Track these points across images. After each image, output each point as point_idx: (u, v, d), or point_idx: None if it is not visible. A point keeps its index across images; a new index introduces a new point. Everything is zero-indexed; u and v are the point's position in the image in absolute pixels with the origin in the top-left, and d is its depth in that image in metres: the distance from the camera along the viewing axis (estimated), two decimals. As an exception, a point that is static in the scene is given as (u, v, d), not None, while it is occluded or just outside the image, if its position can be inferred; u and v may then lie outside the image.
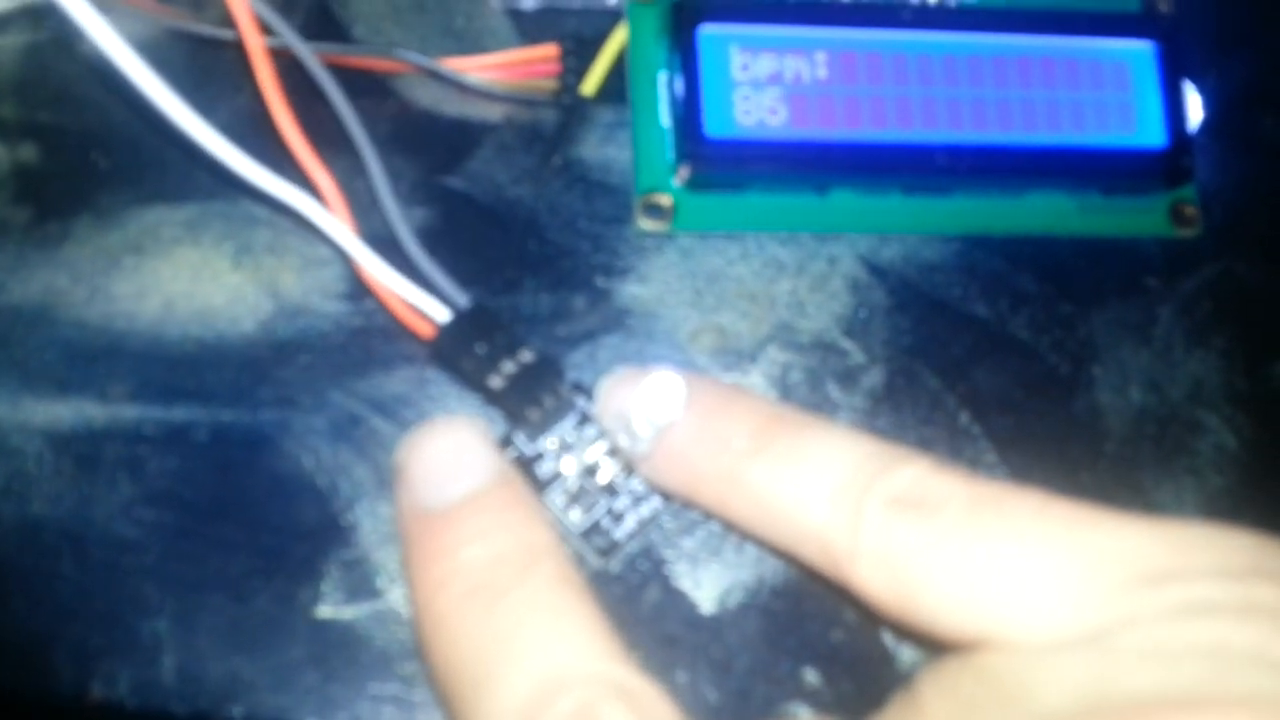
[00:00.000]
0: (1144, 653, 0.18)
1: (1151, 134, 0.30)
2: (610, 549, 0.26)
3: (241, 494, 0.25)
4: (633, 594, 0.26)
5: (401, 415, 0.27)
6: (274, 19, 0.24)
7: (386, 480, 0.26)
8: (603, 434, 0.26)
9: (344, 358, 0.27)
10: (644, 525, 0.26)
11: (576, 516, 0.26)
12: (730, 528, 0.26)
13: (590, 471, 0.26)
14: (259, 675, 0.24)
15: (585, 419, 0.26)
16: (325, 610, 0.25)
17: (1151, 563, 0.19)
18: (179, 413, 0.26)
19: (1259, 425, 0.30)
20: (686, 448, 0.24)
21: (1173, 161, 0.30)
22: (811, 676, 0.26)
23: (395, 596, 0.25)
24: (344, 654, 0.25)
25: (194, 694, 0.24)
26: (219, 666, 0.24)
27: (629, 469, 0.26)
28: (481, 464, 0.23)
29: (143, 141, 0.28)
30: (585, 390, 0.26)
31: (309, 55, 0.24)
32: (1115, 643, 0.18)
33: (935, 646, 0.21)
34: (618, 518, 0.26)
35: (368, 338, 0.27)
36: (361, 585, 0.25)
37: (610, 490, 0.26)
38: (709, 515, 0.26)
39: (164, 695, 0.24)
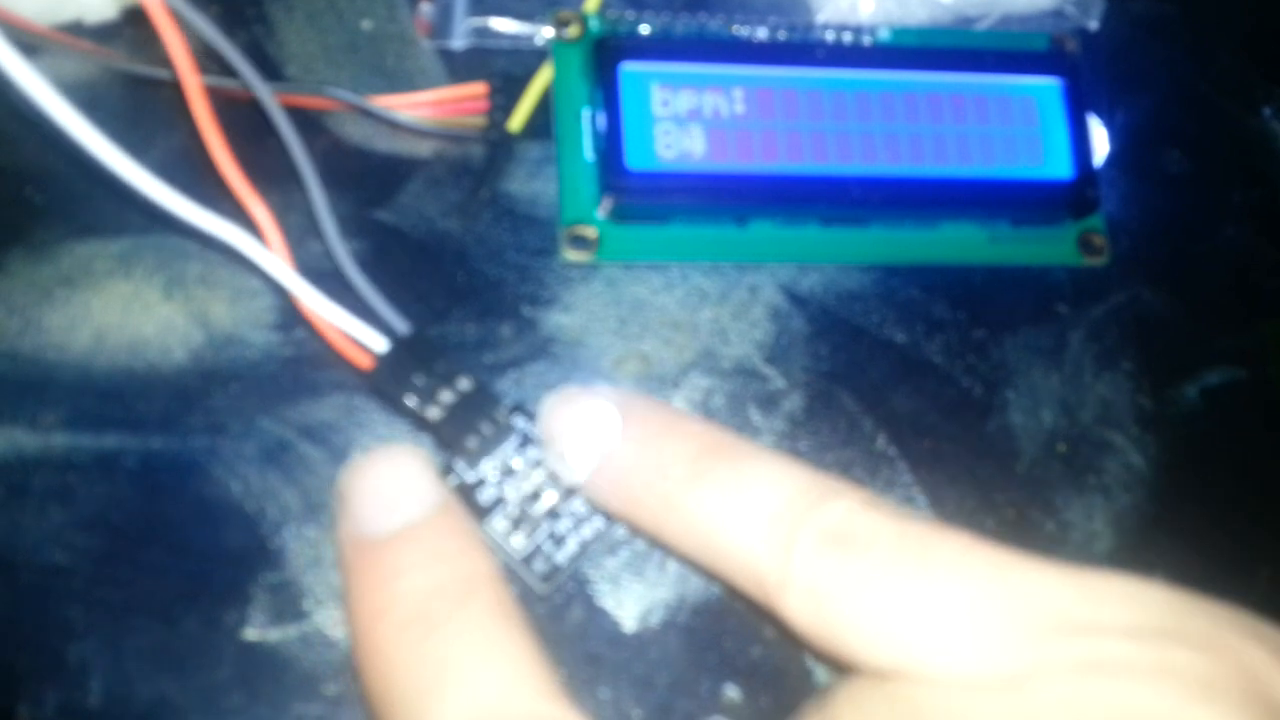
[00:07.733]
0: (1057, 705, 0.18)
1: (1059, 167, 0.32)
2: (552, 573, 0.26)
3: (170, 519, 0.26)
4: (557, 613, 0.27)
5: (330, 441, 0.27)
6: (234, 59, 0.25)
7: (314, 505, 0.26)
8: (543, 456, 0.26)
9: (273, 386, 0.27)
10: (585, 547, 0.26)
11: (518, 542, 0.26)
12: (663, 549, 0.27)
13: (532, 496, 0.26)
14: (185, 697, 0.25)
15: (526, 441, 0.26)
16: (252, 633, 0.25)
17: (1069, 612, 0.19)
18: (109, 440, 0.26)
19: (1165, 445, 0.31)
20: (625, 474, 0.24)
21: (1079, 193, 0.32)
22: (732, 692, 0.27)
23: (321, 619, 0.26)
24: (270, 676, 0.25)
25: (120, 716, 0.24)
26: (146, 689, 0.25)
27: (570, 491, 0.26)
28: (422, 493, 0.23)
29: (76, 177, 0.28)
30: (525, 411, 0.26)
31: (266, 92, 0.25)
32: (1031, 690, 0.19)
33: (852, 669, 0.21)
34: (559, 541, 0.26)
35: (297, 366, 0.28)
36: (288, 608, 0.26)
37: (552, 514, 0.26)
38: (647, 538, 0.27)
39: (91, 718, 0.24)
